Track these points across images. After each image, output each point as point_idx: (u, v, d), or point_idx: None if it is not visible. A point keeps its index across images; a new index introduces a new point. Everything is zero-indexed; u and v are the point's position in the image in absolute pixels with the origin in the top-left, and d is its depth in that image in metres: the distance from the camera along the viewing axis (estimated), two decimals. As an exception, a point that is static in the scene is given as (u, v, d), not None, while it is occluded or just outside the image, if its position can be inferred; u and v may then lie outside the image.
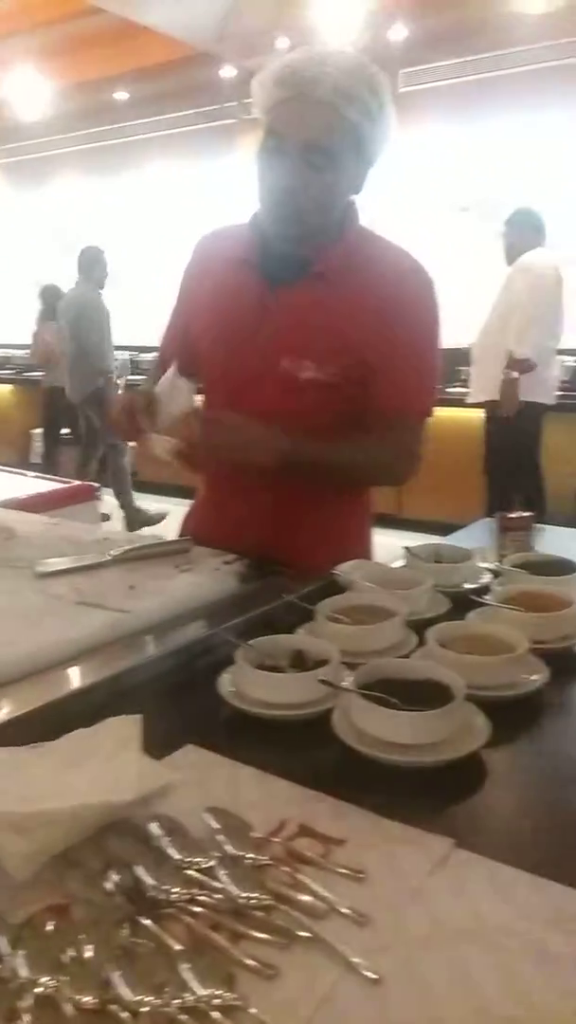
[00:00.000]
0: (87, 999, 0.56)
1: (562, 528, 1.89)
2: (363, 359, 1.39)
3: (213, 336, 1.50)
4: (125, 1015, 0.55)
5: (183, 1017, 0.54)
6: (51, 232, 8.68)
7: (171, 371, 1.36)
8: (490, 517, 1.69)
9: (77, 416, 6.69)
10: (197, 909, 0.64)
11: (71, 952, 0.59)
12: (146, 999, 0.55)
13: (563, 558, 1.36)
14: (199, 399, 1.45)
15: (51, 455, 7.08)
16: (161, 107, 7.54)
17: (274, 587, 1.30)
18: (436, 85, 6.24)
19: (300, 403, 1.41)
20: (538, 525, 1.58)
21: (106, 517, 4.84)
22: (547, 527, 1.79)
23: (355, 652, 1.03)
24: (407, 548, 1.43)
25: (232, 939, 0.61)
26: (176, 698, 1.03)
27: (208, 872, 0.68)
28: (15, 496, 2.75)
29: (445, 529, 1.85)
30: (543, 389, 4.47)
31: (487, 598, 1.20)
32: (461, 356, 4.90)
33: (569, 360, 5.44)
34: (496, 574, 1.37)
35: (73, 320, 5.82)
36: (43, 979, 0.57)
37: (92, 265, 5.82)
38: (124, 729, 0.82)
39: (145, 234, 7.71)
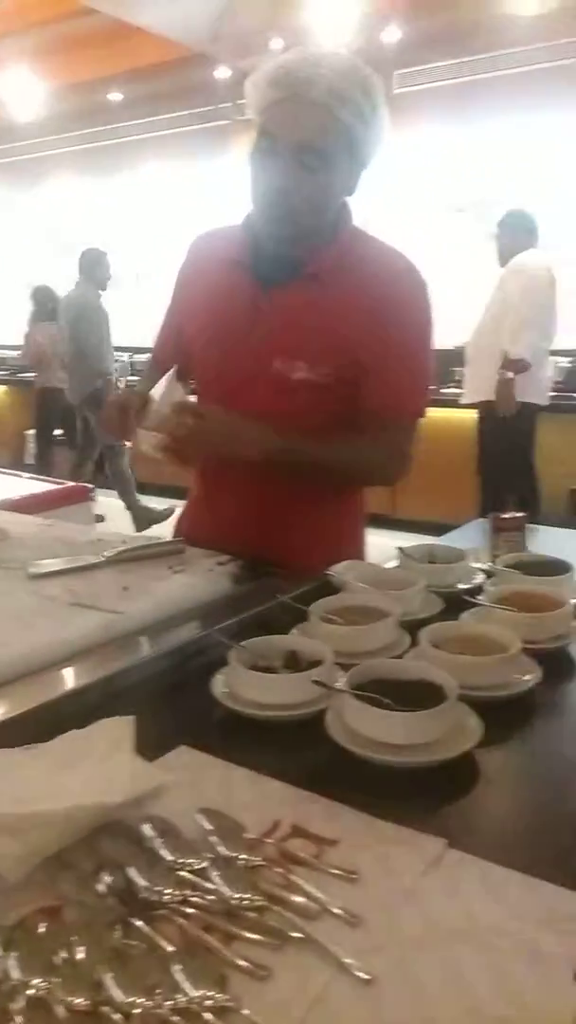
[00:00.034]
0: (79, 1001, 0.56)
1: (555, 528, 1.90)
2: (356, 359, 1.40)
3: (206, 337, 1.50)
4: (117, 1017, 0.55)
5: (175, 1019, 0.54)
6: (45, 233, 8.67)
7: (169, 374, 1.35)
8: (483, 518, 1.69)
9: (71, 417, 6.69)
10: (190, 910, 0.64)
11: (63, 954, 0.59)
12: (138, 1001, 0.55)
13: (556, 558, 1.36)
14: (192, 399, 1.45)
15: (44, 456, 7.07)
16: (155, 108, 7.54)
17: (268, 588, 1.30)
18: (430, 87, 6.24)
19: (293, 404, 1.41)
20: (531, 525, 1.58)
21: (100, 518, 4.84)
22: (540, 527, 1.79)
23: (348, 653, 1.03)
24: (400, 548, 1.43)
25: (225, 940, 0.61)
26: (169, 699, 1.03)
27: (201, 873, 0.68)
28: (9, 497, 2.75)
29: (439, 529, 1.86)
30: (536, 390, 4.48)
31: (480, 598, 1.21)
32: (455, 357, 4.91)
33: (562, 361, 5.46)
34: (489, 574, 1.37)
35: (72, 321, 5.82)
36: (35, 981, 0.57)
37: (93, 266, 5.82)
38: (117, 730, 0.82)
39: (139, 235, 7.70)
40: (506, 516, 1.53)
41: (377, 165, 1.40)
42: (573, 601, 1.20)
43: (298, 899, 0.65)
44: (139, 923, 0.63)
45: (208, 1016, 0.54)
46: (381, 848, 0.72)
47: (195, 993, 0.56)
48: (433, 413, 1.51)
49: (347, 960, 0.59)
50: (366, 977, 0.58)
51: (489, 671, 0.99)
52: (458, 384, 5.06)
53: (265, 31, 5.55)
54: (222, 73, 6.59)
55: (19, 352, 7.44)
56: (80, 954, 0.59)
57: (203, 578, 1.34)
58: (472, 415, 4.72)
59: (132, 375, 6.85)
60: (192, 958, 0.59)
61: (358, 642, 1.08)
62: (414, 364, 1.46)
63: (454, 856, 0.71)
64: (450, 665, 0.95)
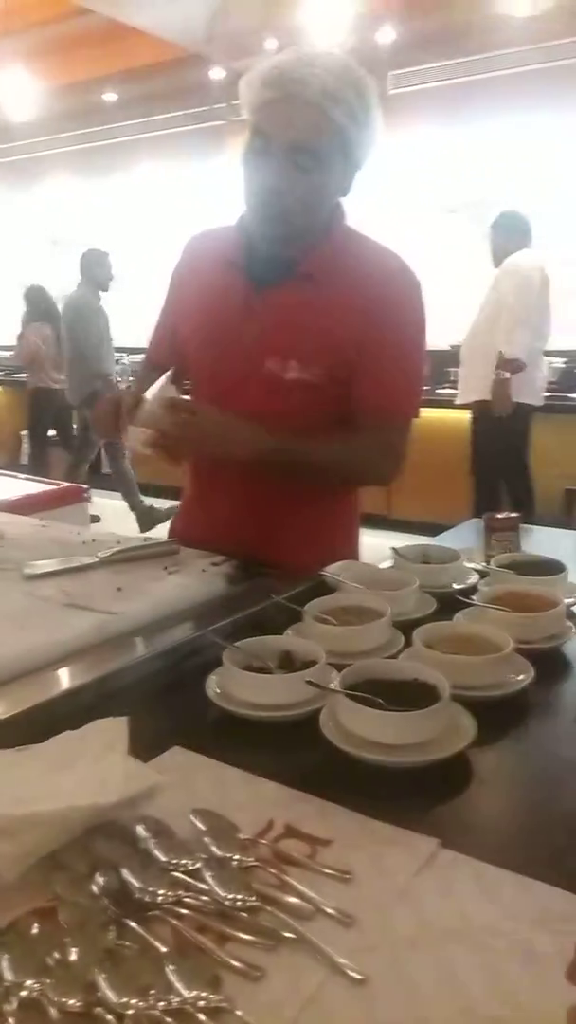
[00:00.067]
0: (72, 1002, 0.55)
1: (549, 528, 1.90)
2: (349, 359, 1.40)
3: (200, 338, 1.50)
4: (110, 1018, 0.54)
5: (168, 1020, 0.54)
6: (40, 233, 8.66)
7: (164, 377, 1.35)
8: (478, 518, 1.70)
9: (65, 418, 6.68)
10: (183, 911, 0.64)
11: (56, 955, 0.59)
12: (132, 1002, 0.55)
13: (550, 558, 1.36)
14: (184, 398, 1.45)
15: (38, 456, 7.05)
16: (150, 108, 7.53)
17: (262, 588, 1.30)
18: (425, 87, 6.26)
19: (286, 404, 1.41)
20: (525, 525, 1.58)
21: (96, 519, 4.84)
22: (534, 527, 1.80)
23: (342, 653, 1.03)
24: (394, 549, 1.43)
25: (218, 941, 0.61)
26: (163, 700, 1.03)
27: (194, 874, 0.68)
28: (5, 498, 2.74)
29: (433, 530, 1.86)
30: (531, 390, 4.49)
31: (474, 598, 1.21)
32: (450, 357, 4.92)
33: (557, 361, 5.47)
34: (483, 575, 1.38)
35: (71, 322, 5.83)
36: (28, 982, 0.57)
37: (93, 267, 5.82)
38: (111, 731, 0.81)
39: (134, 235, 7.70)
40: (500, 516, 1.53)
41: (371, 166, 1.40)
42: (567, 601, 1.20)
43: (292, 899, 0.65)
44: (132, 924, 0.63)
45: (201, 1017, 0.54)
46: (375, 848, 0.72)
47: (188, 994, 0.56)
48: (427, 413, 1.51)
49: (341, 960, 0.59)
50: (359, 977, 0.58)
51: (483, 671, 0.99)
52: (453, 384, 5.07)
53: (260, 32, 5.56)
54: (217, 74, 6.59)
55: (12, 352, 7.43)
56: (73, 955, 0.59)
57: (197, 578, 1.34)
58: (467, 415, 4.73)
59: (132, 376, 6.83)
60: (185, 959, 0.59)
61: (352, 642, 1.08)
62: (408, 364, 1.46)
63: (448, 856, 0.71)
64: (444, 665, 0.95)
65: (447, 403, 4.93)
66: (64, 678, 1.03)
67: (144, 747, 0.82)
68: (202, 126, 7.42)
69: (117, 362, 6.22)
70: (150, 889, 0.66)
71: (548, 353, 4.78)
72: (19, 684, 1.00)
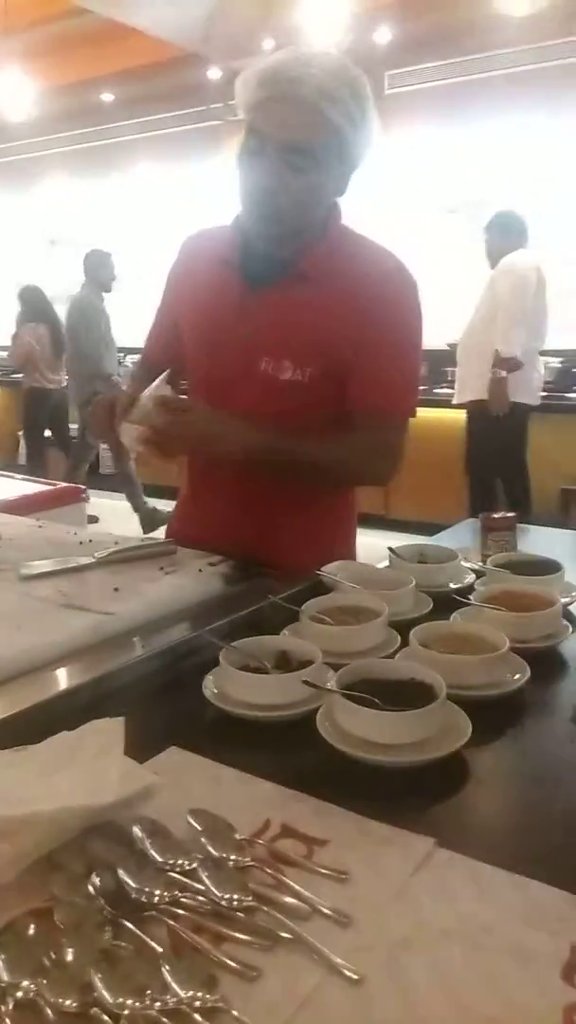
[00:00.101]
0: (68, 1003, 0.55)
1: (546, 528, 1.91)
2: (345, 359, 1.40)
3: (195, 337, 1.50)
4: (107, 1018, 0.54)
5: (165, 1020, 0.54)
6: (38, 233, 8.65)
7: (161, 377, 1.35)
8: (474, 517, 1.70)
9: (61, 418, 6.67)
10: (179, 911, 0.64)
11: (52, 955, 0.59)
12: (128, 1002, 0.55)
13: (546, 558, 1.37)
14: (180, 396, 1.45)
15: (34, 457, 7.04)
16: (147, 108, 7.53)
17: (259, 588, 1.30)
18: (421, 87, 6.26)
19: (281, 404, 1.41)
20: (522, 525, 1.58)
21: (93, 519, 4.83)
22: (531, 527, 1.80)
23: (339, 653, 1.03)
24: (391, 548, 1.43)
25: (214, 941, 0.61)
26: (160, 700, 1.03)
27: (191, 874, 0.68)
28: (2, 498, 2.74)
29: (430, 529, 1.86)
30: (527, 389, 4.50)
31: (470, 598, 1.21)
32: (447, 357, 4.92)
33: (553, 361, 5.47)
34: (479, 574, 1.38)
35: (75, 323, 5.84)
36: (24, 983, 0.57)
37: (96, 268, 5.83)
38: (107, 731, 0.81)
39: (132, 235, 7.69)
40: (497, 516, 1.53)
41: (368, 166, 1.40)
42: (563, 600, 1.20)
43: (288, 899, 0.65)
44: (129, 924, 0.63)
45: (198, 1017, 0.54)
46: (371, 848, 0.72)
47: (184, 994, 0.55)
48: (424, 413, 1.51)
49: (337, 960, 0.59)
50: (356, 977, 0.58)
51: (479, 670, 0.99)
52: (450, 384, 5.07)
53: (257, 31, 5.55)
54: (214, 73, 6.58)
55: (7, 353, 7.42)
56: (69, 955, 0.59)
57: (194, 579, 1.34)
58: (463, 415, 4.73)
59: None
60: (181, 959, 0.59)
61: (348, 642, 1.08)
62: (405, 363, 1.46)
63: (444, 855, 0.71)
64: (440, 665, 0.95)
65: (444, 403, 4.93)
66: (61, 678, 1.03)
67: (141, 747, 0.82)
68: (199, 126, 7.41)
69: (120, 363, 6.21)
70: (146, 889, 0.66)
71: (545, 353, 4.79)
72: (16, 685, 1.00)
